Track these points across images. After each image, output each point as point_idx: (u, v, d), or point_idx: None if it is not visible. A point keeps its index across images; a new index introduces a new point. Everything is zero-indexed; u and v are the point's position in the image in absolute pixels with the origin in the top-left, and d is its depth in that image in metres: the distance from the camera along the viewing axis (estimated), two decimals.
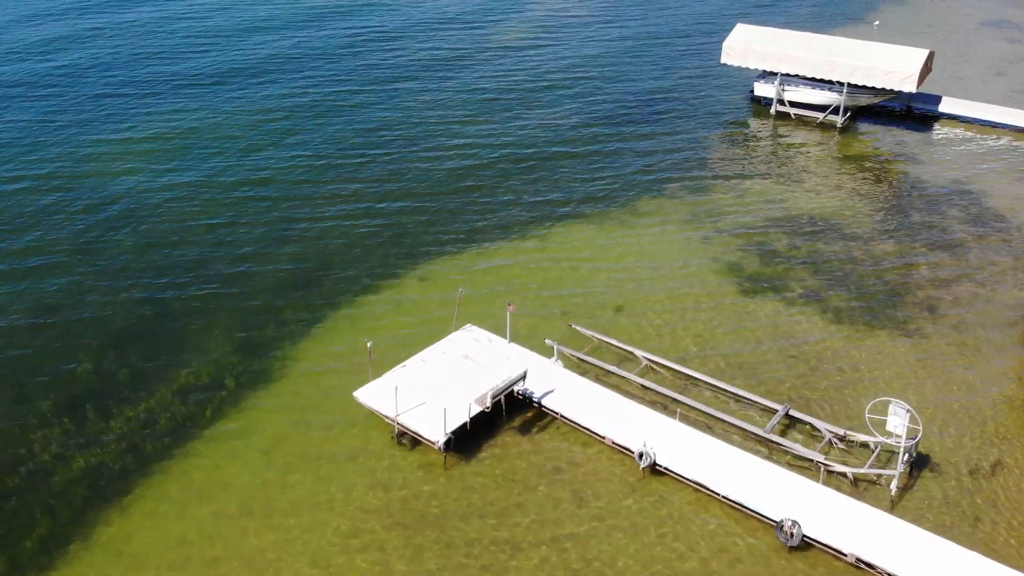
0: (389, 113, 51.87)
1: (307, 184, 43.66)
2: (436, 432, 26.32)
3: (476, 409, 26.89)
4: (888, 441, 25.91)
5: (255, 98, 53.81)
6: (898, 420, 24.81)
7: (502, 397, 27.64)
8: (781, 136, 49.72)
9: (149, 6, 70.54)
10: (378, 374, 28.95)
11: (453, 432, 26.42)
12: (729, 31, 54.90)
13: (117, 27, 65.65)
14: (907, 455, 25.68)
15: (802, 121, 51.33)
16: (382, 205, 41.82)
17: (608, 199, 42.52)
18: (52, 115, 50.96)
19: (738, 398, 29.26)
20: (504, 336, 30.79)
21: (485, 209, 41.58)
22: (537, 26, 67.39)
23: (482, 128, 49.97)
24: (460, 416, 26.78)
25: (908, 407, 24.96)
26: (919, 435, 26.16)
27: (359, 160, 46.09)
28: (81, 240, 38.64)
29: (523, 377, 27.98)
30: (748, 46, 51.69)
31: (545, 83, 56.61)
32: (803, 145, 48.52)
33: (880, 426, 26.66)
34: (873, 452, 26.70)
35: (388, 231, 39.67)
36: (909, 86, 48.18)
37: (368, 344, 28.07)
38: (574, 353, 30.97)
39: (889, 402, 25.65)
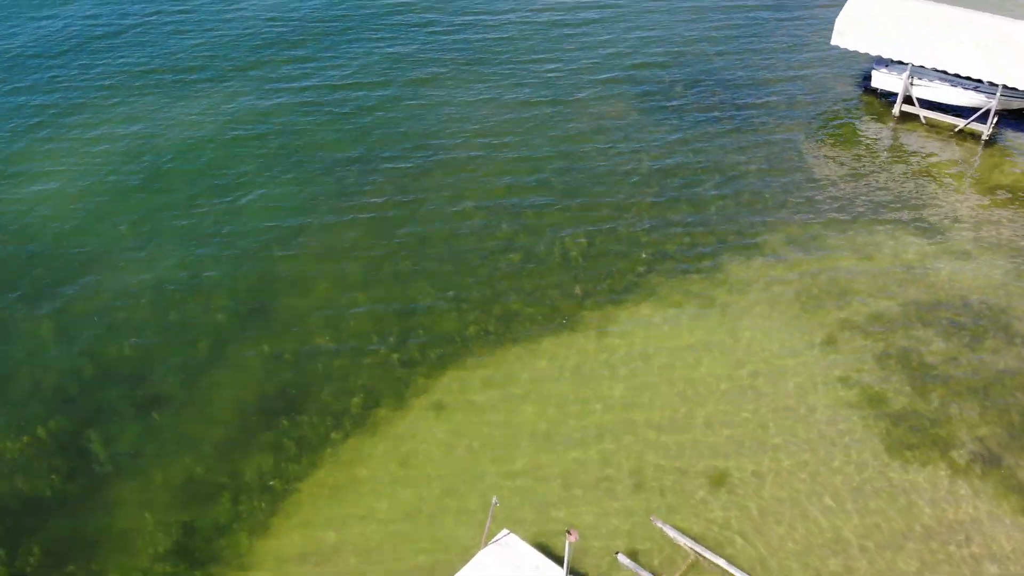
0: (392, 117, 40.42)
1: (282, 238, 32.84)
2: None
3: None
4: None
5: (225, 96, 42.37)
6: None
7: None
8: (907, 150, 38.01)
9: None
10: None
11: None
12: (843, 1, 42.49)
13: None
14: None
15: (933, 126, 39.46)
16: (384, 272, 31.08)
17: (687, 259, 31.58)
18: None
19: None
20: (560, 564, 20.78)
21: (521, 278, 30.79)
22: None
23: (515, 139, 38.48)
24: None
25: None
26: None
27: (353, 198, 34.94)
28: None
29: None
30: (868, 22, 39.25)
31: (595, 67, 44.57)
32: (937, 166, 36.89)
33: None
34: None
35: (391, 318, 29.08)
36: None
37: None
38: None
39: None
